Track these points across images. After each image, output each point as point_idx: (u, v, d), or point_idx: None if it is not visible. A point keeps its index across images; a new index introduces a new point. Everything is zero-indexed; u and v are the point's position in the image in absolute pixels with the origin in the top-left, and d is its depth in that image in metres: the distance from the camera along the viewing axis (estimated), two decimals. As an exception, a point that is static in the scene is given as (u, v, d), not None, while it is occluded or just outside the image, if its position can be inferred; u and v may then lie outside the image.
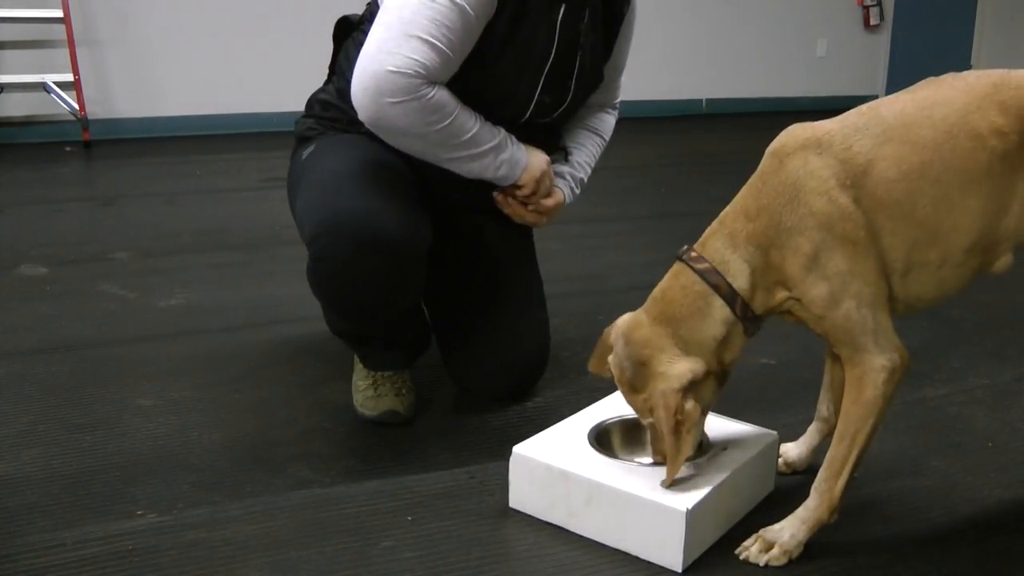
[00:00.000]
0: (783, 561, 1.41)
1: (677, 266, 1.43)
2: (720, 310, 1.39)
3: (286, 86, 4.34)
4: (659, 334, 1.41)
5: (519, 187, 1.83)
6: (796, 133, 1.39)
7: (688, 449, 1.40)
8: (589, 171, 2.03)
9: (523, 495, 1.55)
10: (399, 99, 1.58)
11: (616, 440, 1.63)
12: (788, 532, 1.42)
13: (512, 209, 1.88)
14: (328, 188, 1.69)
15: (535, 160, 1.83)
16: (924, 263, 1.38)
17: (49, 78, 4.97)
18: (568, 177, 1.97)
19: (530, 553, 1.46)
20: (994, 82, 1.40)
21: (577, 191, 2.00)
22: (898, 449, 1.79)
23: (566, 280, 2.79)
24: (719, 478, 1.46)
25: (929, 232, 1.36)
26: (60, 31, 4.99)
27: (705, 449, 1.55)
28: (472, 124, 1.69)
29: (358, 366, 1.94)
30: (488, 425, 1.89)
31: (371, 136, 1.82)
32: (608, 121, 2.10)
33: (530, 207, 1.87)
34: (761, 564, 1.41)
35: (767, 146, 1.41)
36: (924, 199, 1.35)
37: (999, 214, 1.39)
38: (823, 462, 1.42)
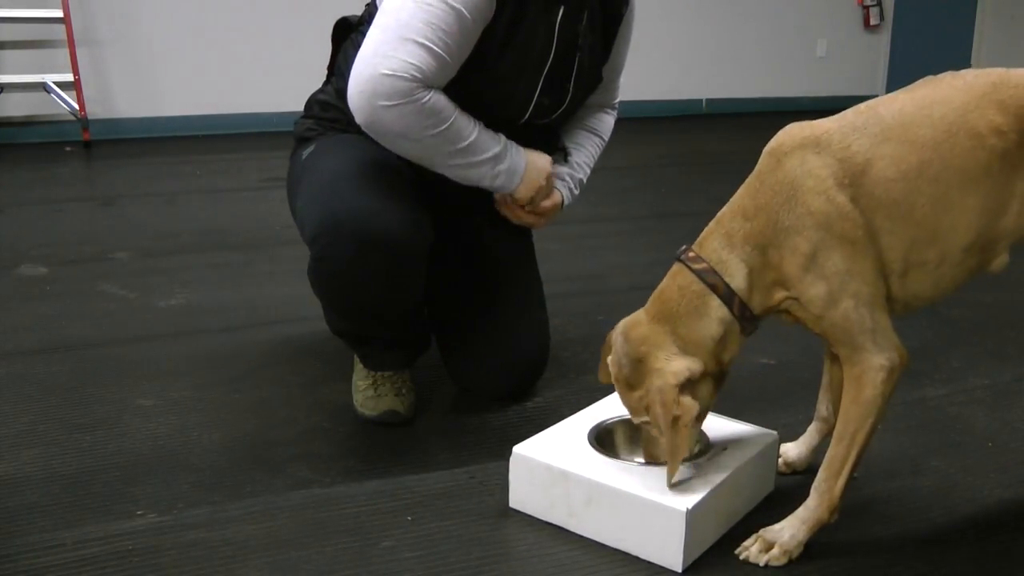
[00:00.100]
0: (783, 561, 1.41)
1: (676, 266, 1.43)
2: (717, 309, 1.39)
3: (286, 86, 4.34)
4: (657, 332, 1.41)
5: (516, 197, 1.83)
6: (794, 132, 1.39)
7: (685, 446, 1.39)
8: (588, 172, 2.03)
9: (523, 495, 1.55)
10: (394, 102, 1.57)
11: (616, 440, 1.63)
12: (788, 532, 1.42)
13: (510, 211, 1.88)
14: (328, 188, 1.69)
15: (534, 167, 1.81)
16: (922, 262, 1.38)
17: (49, 78, 4.97)
18: (567, 178, 1.96)
19: (530, 553, 1.46)
20: (993, 81, 1.40)
21: (576, 192, 1.99)
22: (898, 449, 1.79)
23: (566, 280, 2.79)
24: (719, 478, 1.46)
25: (928, 231, 1.36)
26: (60, 31, 4.99)
27: (705, 449, 1.55)
28: (470, 131, 1.68)
29: (358, 366, 1.94)
30: (488, 425, 1.89)
31: (370, 136, 1.82)
32: (607, 121, 2.10)
33: (527, 208, 1.87)
34: (761, 564, 1.41)
35: (767, 144, 1.41)
36: (923, 198, 1.35)
37: (997, 213, 1.39)
38: (823, 462, 1.42)
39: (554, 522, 1.52)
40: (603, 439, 1.60)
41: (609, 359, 1.48)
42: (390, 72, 1.56)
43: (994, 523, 1.56)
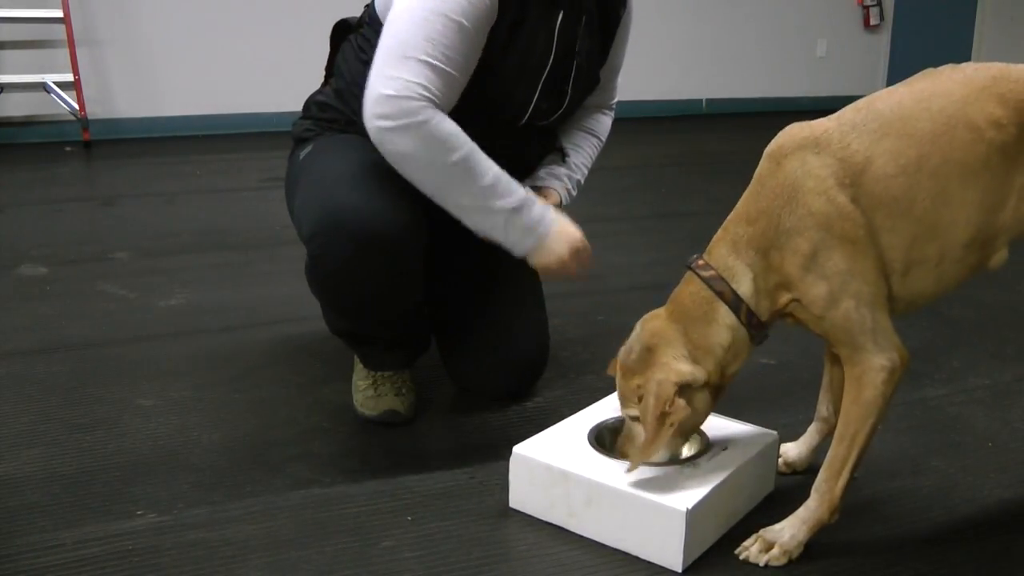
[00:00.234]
0: (783, 561, 1.41)
1: (687, 274, 1.45)
2: (726, 316, 1.40)
3: (286, 86, 4.34)
4: (672, 329, 1.42)
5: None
6: (793, 133, 1.39)
7: (662, 443, 1.38)
8: (586, 172, 2.04)
9: (523, 495, 1.55)
10: (398, 123, 1.55)
11: (616, 440, 1.63)
12: (788, 532, 1.42)
13: None
14: (325, 186, 1.69)
15: (563, 236, 1.68)
16: (924, 260, 1.38)
17: (49, 78, 4.97)
18: (564, 179, 1.97)
19: (530, 553, 1.46)
20: (993, 75, 1.40)
21: (574, 193, 2.00)
22: (898, 449, 1.79)
23: (566, 280, 2.78)
24: (719, 478, 1.46)
25: (928, 228, 1.36)
26: (60, 31, 5.00)
27: (705, 449, 1.55)
28: (487, 172, 1.61)
29: (358, 366, 1.94)
30: (488, 425, 1.89)
31: (368, 136, 1.82)
32: (604, 122, 2.10)
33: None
34: (761, 564, 1.41)
35: (767, 146, 1.41)
36: (923, 193, 1.35)
37: (996, 208, 1.38)
38: (823, 462, 1.42)
39: (554, 522, 1.52)
40: (603, 439, 1.60)
41: (623, 348, 1.49)
42: (393, 93, 1.55)
43: (994, 523, 1.56)
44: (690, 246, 1.52)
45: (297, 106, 2.02)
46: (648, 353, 1.42)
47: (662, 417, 1.37)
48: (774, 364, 2.20)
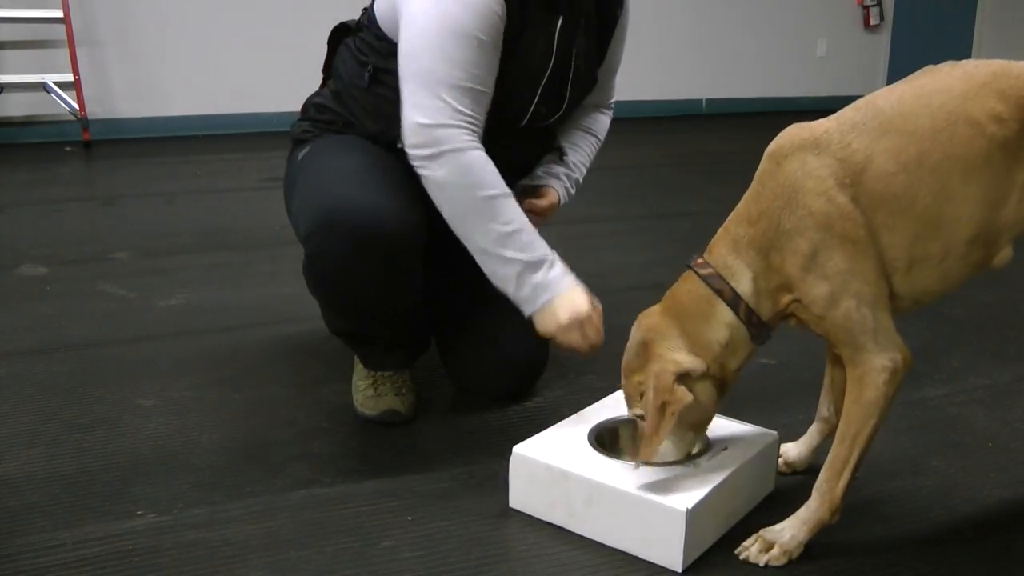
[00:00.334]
0: (783, 561, 1.41)
1: (686, 272, 1.45)
2: (724, 314, 1.40)
3: (286, 86, 4.33)
4: (667, 323, 1.43)
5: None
6: (793, 134, 1.39)
7: (665, 433, 1.37)
8: (584, 171, 2.04)
9: (523, 495, 1.55)
10: (433, 150, 1.58)
11: (616, 440, 1.63)
12: (788, 532, 1.42)
13: None
14: (323, 185, 1.69)
15: (568, 303, 1.63)
16: (926, 258, 1.38)
17: (49, 78, 4.97)
18: (563, 177, 1.98)
19: (530, 553, 1.46)
20: (994, 71, 1.40)
21: (572, 191, 2.01)
22: (898, 449, 1.79)
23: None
24: (719, 478, 1.46)
25: (930, 225, 1.36)
26: (60, 31, 4.99)
27: (705, 449, 1.55)
28: (514, 219, 1.62)
29: (358, 366, 1.94)
30: (488, 425, 1.89)
31: (366, 137, 1.82)
32: (603, 121, 2.10)
33: (523, 208, 1.86)
34: (761, 564, 1.41)
35: (767, 146, 1.41)
36: (923, 190, 1.35)
37: (998, 204, 1.38)
38: (824, 462, 1.42)
39: (554, 522, 1.52)
40: (603, 439, 1.60)
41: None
42: (429, 121, 1.58)
43: (994, 523, 1.56)
44: (690, 246, 1.53)
45: (297, 106, 2.02)
46: (644, 348, 1.42)
47: (662, 407, 1.37)
48: (774, 364, 2.20)
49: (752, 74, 6.96)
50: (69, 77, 5.01)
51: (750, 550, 1.43)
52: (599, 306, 1.68)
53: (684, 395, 1.37)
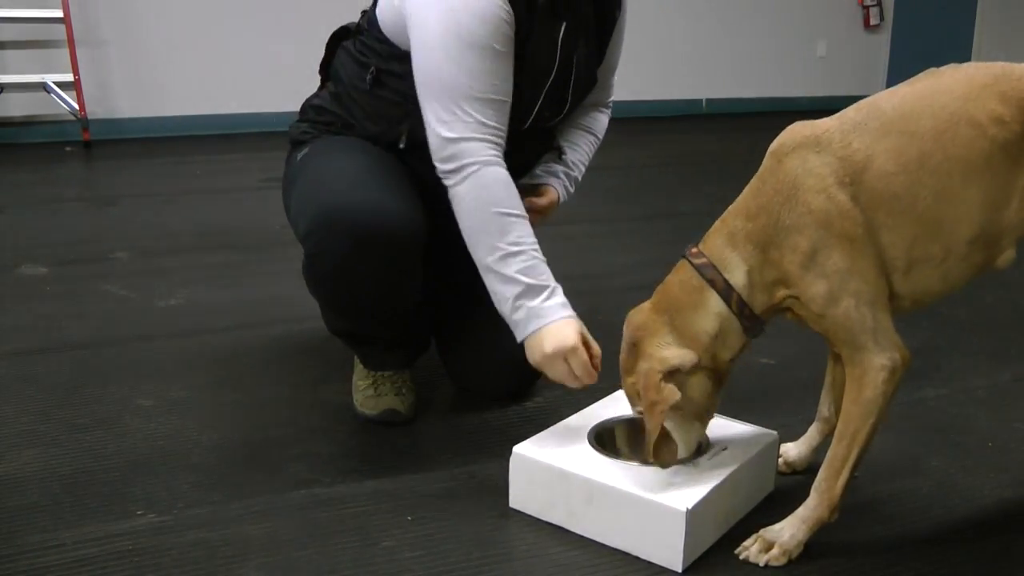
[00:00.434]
0: (783, 561, 1.41)
1: (680, 262, 1.45)
2: (714, 304, 1.40)
3: (286, 86, 4.33)
4: (655, 320, 1.43)
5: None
6: (795, 132, 1.39)
7: (656, 430, 1.38)
8: (583, 169, 2.04)
9: (523, 495, 1.55)
10: (457, 163, 1.60)
11: (616, 440, 1.63)
12: (788, 532, 1.42)
13: None
14: (322, 185, 1.69)
15: (554, 335, 1.59)
16: (927, 258, 1.38)
17: (49, 78, 4.97)
18: (562, 176, 1.98)
19: (530, 553, 1.46)
20: (995, 73, 1.40)
21: (571, 189, 2.01)
22: (898, 449, 1.79)
23: (565, 280, 2.75)
24: (719, 478, 1.46)
25: (930, 226, 1.36)
26: (60, 31, 4.99)
27: (705, 449, 1.55)
28: (521, 246, 1.61)
29: (358, 366, 1.94)
30: (488, 425, 1.89)
31: (366, 138, 1.82)
32: (601, 120, 2.10)
33: (524, 206, 1.86)
34: (761, 564, 1.41)
35: (767, 146, 1.41)
36: (924, 190, 1.35)
37: (999, 206, 1.38)
38: (824, 461, 1.42)
39: (554, 522, 1.52)
40: (603, 439, 1.60)
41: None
42: (454, 135, 1.59)
43: (994, 523, 1.56)
44: (690, 246, 1.52)
45: (296, 106, 2.02)
46: (634, 348, 1.43)
47: (652, 405, 1.37)
48: (774, 364, 2.20)
49: (752, 74, 6.96)
50: (69, 77, 5.01)
51: (750, 550, 1.43)
52: (596, 346, 1.63)
53: (671, 393, 1.37)
